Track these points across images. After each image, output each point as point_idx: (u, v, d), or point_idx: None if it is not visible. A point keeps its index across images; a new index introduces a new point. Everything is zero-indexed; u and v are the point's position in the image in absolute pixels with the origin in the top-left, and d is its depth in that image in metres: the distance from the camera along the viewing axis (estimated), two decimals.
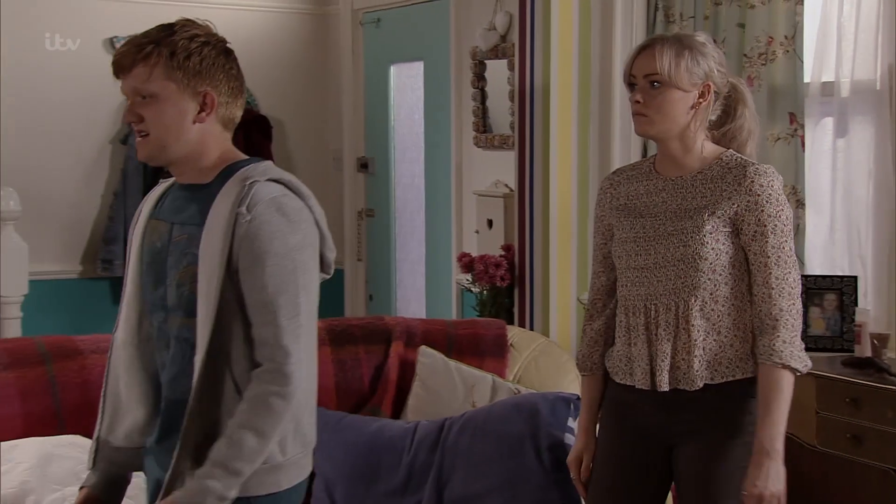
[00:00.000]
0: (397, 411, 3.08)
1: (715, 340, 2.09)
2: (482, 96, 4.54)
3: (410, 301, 5.24)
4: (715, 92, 2.13)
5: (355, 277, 5.58)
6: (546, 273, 3.92)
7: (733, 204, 2.08)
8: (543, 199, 3.93)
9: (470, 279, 4.19)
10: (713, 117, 2.16)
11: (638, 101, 2.11)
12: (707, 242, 2.08)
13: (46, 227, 4.77)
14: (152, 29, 1.85)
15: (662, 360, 2.09)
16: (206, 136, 1.84)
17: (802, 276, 3.46)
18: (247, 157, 1.88)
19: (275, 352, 1.73)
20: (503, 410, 2.84)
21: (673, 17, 3.76)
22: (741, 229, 2.09)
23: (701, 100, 2.11)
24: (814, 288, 3.51)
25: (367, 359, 3.11)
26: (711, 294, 2.09)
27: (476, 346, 3.22)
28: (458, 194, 4.66)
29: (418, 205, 5.14)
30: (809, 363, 2.09)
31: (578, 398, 2.71)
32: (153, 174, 5.06)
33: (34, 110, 4.85)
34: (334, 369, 3.07)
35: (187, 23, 1.87)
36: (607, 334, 2.24)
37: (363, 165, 5.50)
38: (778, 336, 2.05)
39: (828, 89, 3.57)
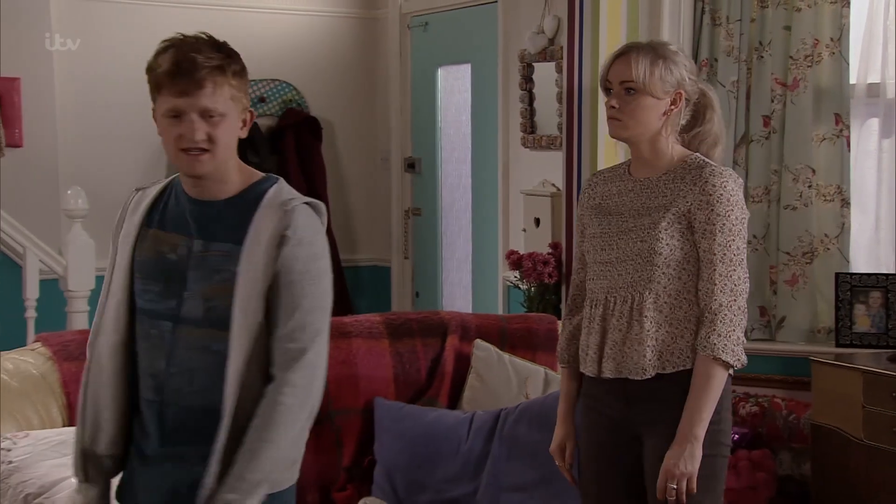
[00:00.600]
0: (453, 402, 3.19)
1: (667, 332, 2.19)
2: (530, 98, 4.64)
3: (456, 298, 5.36)
4: (686, 99, 2.24)
5: (402, 275, 5.70)
6: None
7: (687, 202, 2.18)
8: None
9: (517, 276, 4.29)
10: (683, 122, 2.27)
11: (613, 106, 2.21)
12: (661, 238, 2.18)
13: (107, 225, 4.93)
14: (200, 43, 1.87)
15: (610, 349, 2.21)
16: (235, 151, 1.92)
17: (847, 274, 3.61)
18: (253, 170, 1.94)
19: (301, 365, 1.83)
20: (558, 401, 2.94)
21: (719, 20, 3.84)
22: (693, 226, 2.18)
23: (672, 106, 2.22)
24: (859, 286, 3.58)
25: (423, 352, 3.23)
26: (665, 287, 2.19)
27: (528, 339, 3.32)
28: (505, 193, 4.75)
29: (465, 203, 5.25)
30: (744, 359, 2.17)
31: None
32: None
33: (93, 114, 5.01)
34: (393, 361, 3.18)
35: (212, 38, 1.91)
36: (581, 331, 2.34)
37: (410, 165, 5.61)
38: (714, 329, 2.13)
39: (873, 90, 3.64)
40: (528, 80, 4.63)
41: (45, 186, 4.76)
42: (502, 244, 4.73)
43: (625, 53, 2.23)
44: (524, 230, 4.53)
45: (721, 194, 2.17)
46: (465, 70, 5.18)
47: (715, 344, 2.13)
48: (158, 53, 1.88)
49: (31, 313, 4.18)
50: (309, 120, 5.51)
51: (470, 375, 3.20)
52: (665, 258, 2.18)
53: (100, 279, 4.46)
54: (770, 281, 3.83)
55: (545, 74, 4.53)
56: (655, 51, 2.23)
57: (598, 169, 3.73)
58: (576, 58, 3.99)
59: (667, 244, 2.18)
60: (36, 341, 2.84)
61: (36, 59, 4.77)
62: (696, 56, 3.90)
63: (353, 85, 5.70)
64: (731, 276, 2.15)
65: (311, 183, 5.48)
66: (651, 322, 2.19)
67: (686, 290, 2.20)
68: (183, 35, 1.90)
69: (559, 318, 3.87)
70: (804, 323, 3.75)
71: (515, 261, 4.27)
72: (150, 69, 1.89)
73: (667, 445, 2.14)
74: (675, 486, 2.11)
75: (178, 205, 1.91)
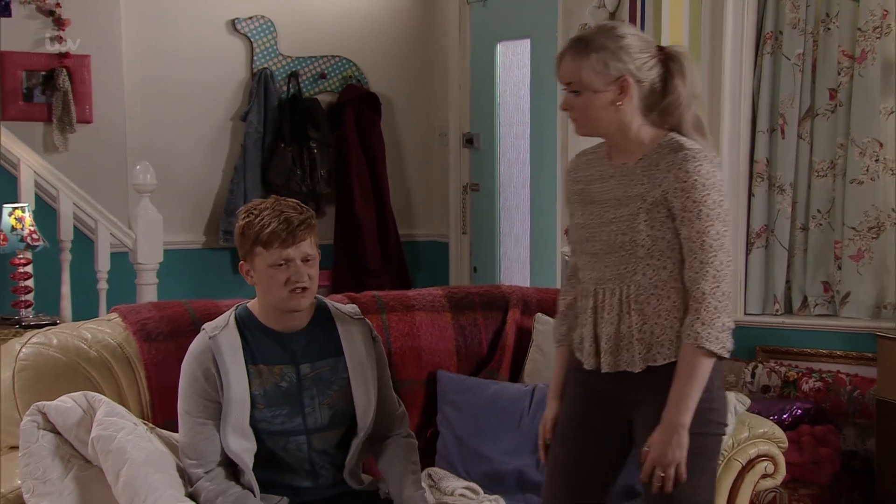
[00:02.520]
0: (514, 376, 3.21)
1: (656, 324, 2.14)
2: None
3: (514, 273, 5.37)
4: (638, 81, 2.11)
5: (460, 250, 5.73)
6: None
7: (663, 189, 2.10)
8: None
9: None
10: (642, 102, 2.14)
11: (564, 108, 2.17)
12: (642, 230, 2.12)
13: (173, 200, 5.05)
14: (286, 205, 2.37)
15: (606, 343, 2.18)
16: None
17: None
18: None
19: (399, 420, 2.54)
20: None
21: None
22: (673, 213, 2.11)
23: (622, 95, 2.11)
24: None
25: (485, 325, 3.24)
26: (651, 279, 2.14)
27: None
28: (564, 166, 4.73)
29: (523, 179, 5.24)
30: (730, 345, 2.11)
31: None
32: (271, 151, 5.30)
33: (159, 90, 5.13)
34: (455, 334, 3.20)
35: (286, 199, 2.45)
36: (574, 308, 2.32)
37: (469, 141, 5.62)
38: (698, 318, 2.08)
39: None
40: None
41: (114, 161, 4.88)
42: (560, 219, 4.73)
43: (562, 53, 2.16)
44: None
45: (696, 179, 2.07)
46: (524, 45, 5.16)
47: (699, 332, 2.07)
48: (254, 216, 2.31)
49: (102, 285, 4.30)
50: (368, 96, 5.55)
51: (531, 349, 3.21)
52: (648, 249, 2.13)
53: (169, 253, 4.60)
54: (834, 256, 3.79)
55: None
56: (588, 44, 2.11)
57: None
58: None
59: (648, 235, 2.12)
60: (112, 312, 2.91)
61: (105, 37, 4.88)
62: (760, 29, 3.85)
63: (413, 60, 5.71)
64: (712, 263, 2.08)
65: (371, 159, 5.53)
66: (639, 315, 2.15)
67: (673, 279, 2.13)
68: (263, 202, 2.36)
69: None
70: (869, 298, 3.71)
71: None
72: (249, 229, 2.31)
73: (652, 427, 2.12)
74: (662, 474, 2.10)
75: (265, 340, 2.36)
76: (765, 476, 2.78)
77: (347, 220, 5.48)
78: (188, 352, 2.37)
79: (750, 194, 3.91)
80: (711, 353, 2.09)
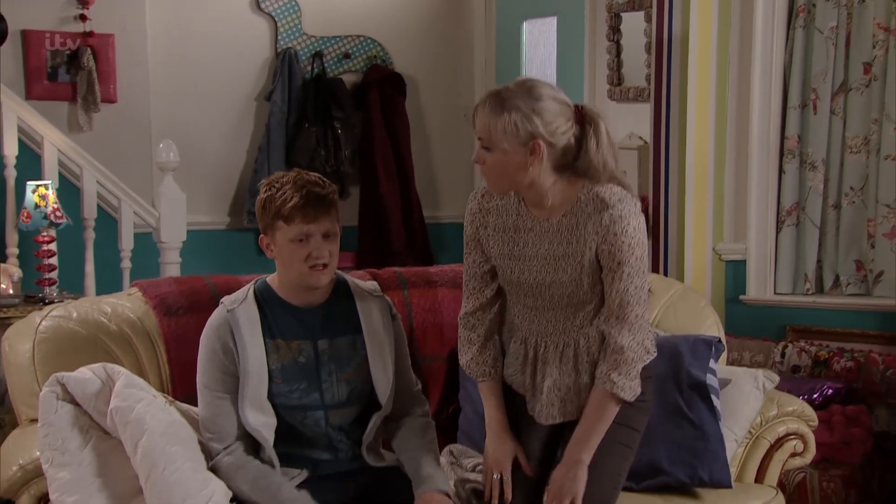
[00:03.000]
0: None
1: (592, 373, 2.21)
2: (617, 49, 4.55)
3: None
4: (550, 144, 2.07)
5: None
6: (681, 223, 3.94)
7: (593, 248, 2.13)
8: (680, 150, 3.94)
9: None
10: (555, 163, 2.11)
11: (476, 162, 2.15)
12: (586, 290, 2.17)
13: (197, 180, 5.04)
14: (309, 180, 2.29)
15: (549, 395, 2.24)
16: None
17: None
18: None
19: (417, 400, 2.46)
20: None
21: None
22: (601, 266, 2.15)
23: (532, 157, 2.08)
24: None
25: None
26: (593, 334, 2.21)
27: None
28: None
29: None
30: (638, 390, 2.20)
31: (720, 340, 2.74)
32: (295, 131, 5.28)
33: (183, 70, 5.11)
34: None
35: (310, 173, 2.36)
36: (492, 338, 2.33)
37: None
38: (616, 368, 2.16)
39: None
40: (615, 30, 4.54)
41: (138, 141, 4.87)
42: None
43: (480, 105, 2.11)
44: None
45: (623, 240, 2.10)
46: (550, 23, 5.10)
47: (615, 382, 2.16)
48: (275, 190, 2.24)
49: (126, 264, 4.30)
50: (393, 76, 5.51)
51: None
52: (594, 305, 2.19)
53: (193, 234, 4.58)
54: (867, 234, 3.70)
55: (633, 25, 4.43)
56: (502, 103, 2.06)
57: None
58: (666, 5, 3.89)
59: (593, 292, 2.18)
60: (132, 287, 2.90)
61: (129, 16, 4.86)
62: (792, 1, 3.76)
63: (438, 40, 5.66)
64: (628, 318, 2.15)
65: (395, 139, 5.49)
66: (583, 364, 2.22)
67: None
68: (285, 174, 2.28)
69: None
70: None
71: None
72: (270, 202, 2.24)
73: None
74: None
75: (284, 314, 2.32)
76: (794, 455, 2.73)
77: (371, 202, 5.45)
78: (206, 325, 2.35)
79: (780, 171, 3.85)
80: (622, 401, 2.18)
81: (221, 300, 2.37)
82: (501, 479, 2.28)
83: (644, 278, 2.16)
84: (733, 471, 2.69)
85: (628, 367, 2.16)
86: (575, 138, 2.11)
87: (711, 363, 2.76)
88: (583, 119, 2.12)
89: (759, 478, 2.71)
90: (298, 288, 2.32)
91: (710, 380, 2.71)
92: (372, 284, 2.47)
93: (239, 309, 2.32)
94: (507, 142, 2.06)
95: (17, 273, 3.82)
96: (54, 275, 3.94)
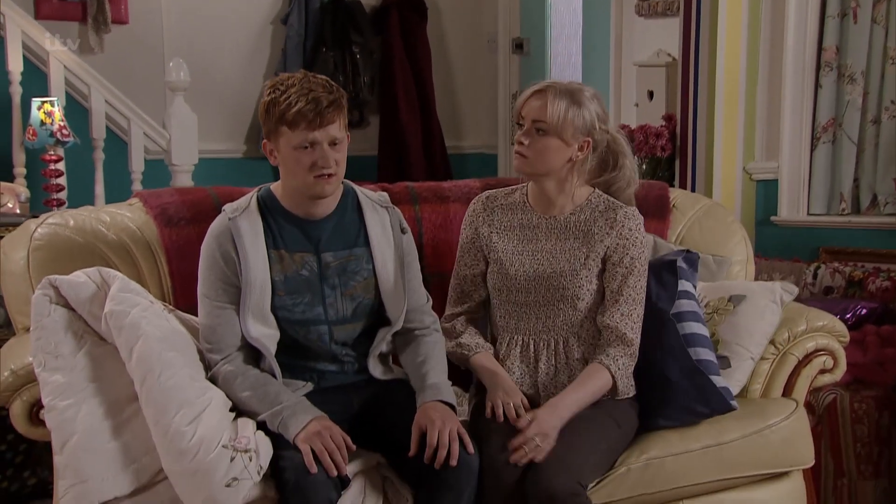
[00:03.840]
0: None
1: (584, 366, 2.28)
2: None
3: None
4: (593, 147, 2.27)
5: (508, 162, 5.54)
6: (710, 142, 3.82)
7: (604, 245, 2.27)
8: (710, 65, 3.81)
9: None
10: (590, 166, 2.31)
11: (521, 142, 2.25)
12: (583, 285, 2.27)
13: (212, 106, 4.94)
14: (316, 83, 2.16)
15: (543, 390, 2.28)
16: None
17: None
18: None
19: (427, 315, 2.36)
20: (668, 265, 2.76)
21: None
22: (605, 265, 2.28)
23: (579, 153, 2.26)
24: None
25: None
26: (588, 330, 2.29)
27: (637, 206, 3.10)
28: (617, 67, 4.54)
29: None
30: (631, 391, 2.30)
31: (687, 251, 2.54)
32: (312, 56, 5.15)
33: None
34: None
35: (318, 76, 2.20)
36: (478, 330, 2.40)
37: (518, 46, 5.41)
38: (620, 359, 2.25)
39: None
40: None
41: (150, 64, 4.77)
42: (614, 120, 4.52)
43: (542, 91, 2.25)
44: (636, 105, 4.33)
45: (636, 238, 2.27)
46: None
47: (619, 369, 2.24)
48: (279, 93, 2.12)
49: (136, 186, 4.22)
50: (413, 0, 5.34)
51: None
52: (588, 303, 2.28)
53: (201, 161, 4.47)
54: None
55: None
56: (572, 95, 2.24)
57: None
58: None
59: (588, 290, 2.27)
60: (134, 196, 2.81)
61: None
62: None
63: None
64: (632, 315, 2.25)
65: (416, 66, 5.35)
66: (576, 361, 2.28)
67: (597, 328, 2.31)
68: (291, 76, 2.15)
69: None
70: None
71: (627, 135, 4.04)
72: (274, 106, 2.12)
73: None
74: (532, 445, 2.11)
75: (288, 226, 2.22)
76: (823, 371, 2.59)
77: (391, 131, 5.32)
78: (207, 233, 2.26)
79: (817, 85, 3.70)
80: (612, 383, 2.25)
81: (223, 207, 2.27)
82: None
83: (644, 284, 2.28)
84: (758, 388, 2.56)
85: (628, 361, 2.25)
86: (607, 151, 2.32)
87: (683, 284, 2.48)
88: (613, 139, 2.33)
89: (786, 394, 2.58)
90: (303, 197, 2.21)
91: (685, 305, 2.45)
92: (381, 195, 2.36)
93: (241, 217, 2.21)
94: (569, 131, 2.22)
95: (24, 193, 3.75)
96: (63, 195, 3.87)
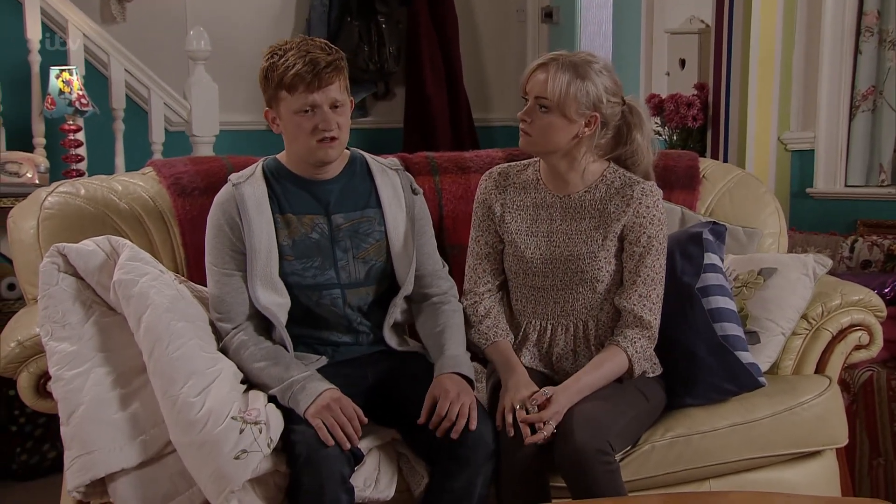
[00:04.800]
0: None
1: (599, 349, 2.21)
2: None
3: None
4: (602, 122, 2.16)
5: None
6: (744, 111, 3.71)
7: (621, 223, 2.18)
8: (744, 31, 3.70)
9: (659, 122, 3.96)
10: (602, 141, 2.20)
11: (524, 120, 2.17)
12: (602, 267, 2.19)
13: (235, 77, 4.86)
14: (313, 45, 2.13)
15: (559, 375, 2.21)
16: None
17: None
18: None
19: (444, 280, 2.30)
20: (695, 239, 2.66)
21: None
22: (623, 244, 2.19)
23: (586, 129, 2.15)
24: None
25: None
26: (607, 312, 2.22)
27: (665, 177, 2.99)
28: (648, 34, 4.41)
29: (605, 53, 4.91)
30: (658, 371, 2.23)
31: (714, 223, 2.45)
32: (337, 26, 5.06)
33: None
34: None
35: (315, 39, 2.16)
36: (499, 313, 2.29)
37: (548, 15, 5.29)
38: (638, 341, 2.17)
39: None
40: None
41: (173, 34, 4.69)
42: (643, 90, 4.40)
43: (545, 65, 2.15)
44: (668, 73, 4.20)
45: (654, 215, 2.18)
46: None
47: (637, 352, 2.17)
48: (278, 57, 2.07)
49: (157, 157, 4.17)
50: None
51: None
52: (606, 285, 2.20)
53: (223, 133, 4.42)
54: None
55: None
56: (576, 69, 2.13)
57: None
58: None
59: (607, 272, 2.19)
60: (147, 165, 2.76)
61: None
62: None
63: None
64: (651, 296, 2.17)
65: (443, 36, 5.25)
66: (594, 348, 2.21)
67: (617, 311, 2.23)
68: (288, 41, 2.12)
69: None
70: None
71: (657, 105, 3.94)
72: (272, 71, 2.08)
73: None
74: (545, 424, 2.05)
75: (294, 189, 2.17)
76: (858, 347, 2.49)
77: (417, 102, 5.23)
78: (213, 202, 2.22)
79: (856, 51, 3.57)
80: (630, 373, 2.17)
81: (229, 177, 2.23)
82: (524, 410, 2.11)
83: (664, 263, 2.19)
84: (789, 364, 2.48)
85: (646, 343, 2.17)
86: (617, 125, 2.20)
87: (709, 257, 2.38)
88: (628, 108, 2.21)
89: (820, 371, 2.48)
90: (307, 164, 2.16)
91: (711, 279, 2.36)
92: (391, 160, 2.31)
93: (245, 184, 2.18)
94: (573, 108, 2.11)
95: (43, 163, 3.71)
96: (82, 166, 3.83)
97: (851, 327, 2.47)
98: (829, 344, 2.47)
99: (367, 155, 2.29)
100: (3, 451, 3.25)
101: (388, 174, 2.26)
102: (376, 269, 2.21)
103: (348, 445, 2.00)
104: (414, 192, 2.28)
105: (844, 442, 2.41)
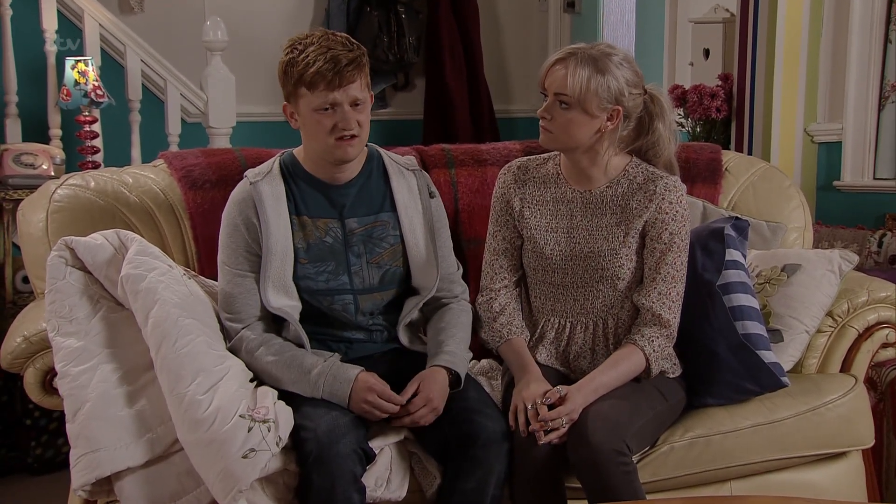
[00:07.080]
0: None
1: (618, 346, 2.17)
2: None
3: None
4: (625, 115, 2.12)
5: None
6: (769, 102, 3.65)
7: (643, 219, 2.14)
8: (770, 20, 3.64)
9: (682, 114, 3.89)
10: (624, 133, 2.16)
11: (544, 116, 2.12)
12: (623, 264, 2.15)
13: (253, 68, 4.84)
14: (335, 41, 2.08)
15: (575, 373, 2.18)
16: None
17: None
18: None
19: (457, 285, 2.28)
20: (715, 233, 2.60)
21: None
22: (645, 241, 2.15)
23: (609, 123, 2.11)
24: None
25: None
26: (627, 310, 2.17)
27: (686, 170, 2.92)
28: (672, 23, 4.34)
29: (628, 42, 4.86)
30: (677, 372, 2.19)
31: (737, 218, 2.39)
32: (356, 16, 5.02)
33: None
34: None
35: (337, 34, 2.10)
36: (516, 311, 2.26)
37: (570, 4, 5.23)
38: (655, 340, 2.12)
39: None
40: None
41: (191, 25, 4.68)
42: (666, 80, 4.34)
43: (563, 60, 2.10)
44: (691, 64, 4.14)
45: (677, 211, 2.13)
46: None
47: (655, 351, 2.13)
48: (298, 52, 2.03)
49: (173, 149, 4.15)
50: None
51: None
52: (627, 282, 2.16)
53: (240, 125, 4.39)
54: None
55: None
56: (596, 63, 2.08)
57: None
58: None
59: (628, 269, 2.15)
60: (159, 158, 2.73)
61: None
62: None
63: None
64: (670, 294, 2.13)
65: (463, 26, 5.20)
66: (614, 348, 2.17)
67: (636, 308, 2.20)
68: (309, 34, 2.07)
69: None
70: None
71: (680, 95, 3.87)
72: (292, 66, 2.04)
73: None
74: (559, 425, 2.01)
75: (311, 192, 2.13)
76: (885, 345, 2.44)
77: (438, 93, 5.19)
78: (229, 199, 2.19)
79: (886, 40, 3.51)
80: (647, 372, 2.13)
81: (245, 173, 2.19)
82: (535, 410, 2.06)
83: (685, 260, 2.15)
84: (813, 363, 2.42)
85: (664, 342, 2.12)
86: (639, 116, 2.15)
87: (731, 254, 2.32)
88: (650, 98, 2.16)
89: (845, 370, 2.43)
90: (325, 162, 2.12)
91: (733, 275, 2.29)
92: (408, 159, 2.26)
93: (262, 182, 2.13)
94: (593, 103, 2.07)
95: (59, 155, 3.70)
96: (98, 157, 3.81)
97: (878, 325, 2.41)
98: (854, 342, 2.42)
99: (384, 153, 2.24)
100: (18, 445, 3.25)
101: (404, 175, 2.22)
102: (391, 274, 2.18)
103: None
104: (431, 195, 2.23)
105: (871, 443, 2.36)
